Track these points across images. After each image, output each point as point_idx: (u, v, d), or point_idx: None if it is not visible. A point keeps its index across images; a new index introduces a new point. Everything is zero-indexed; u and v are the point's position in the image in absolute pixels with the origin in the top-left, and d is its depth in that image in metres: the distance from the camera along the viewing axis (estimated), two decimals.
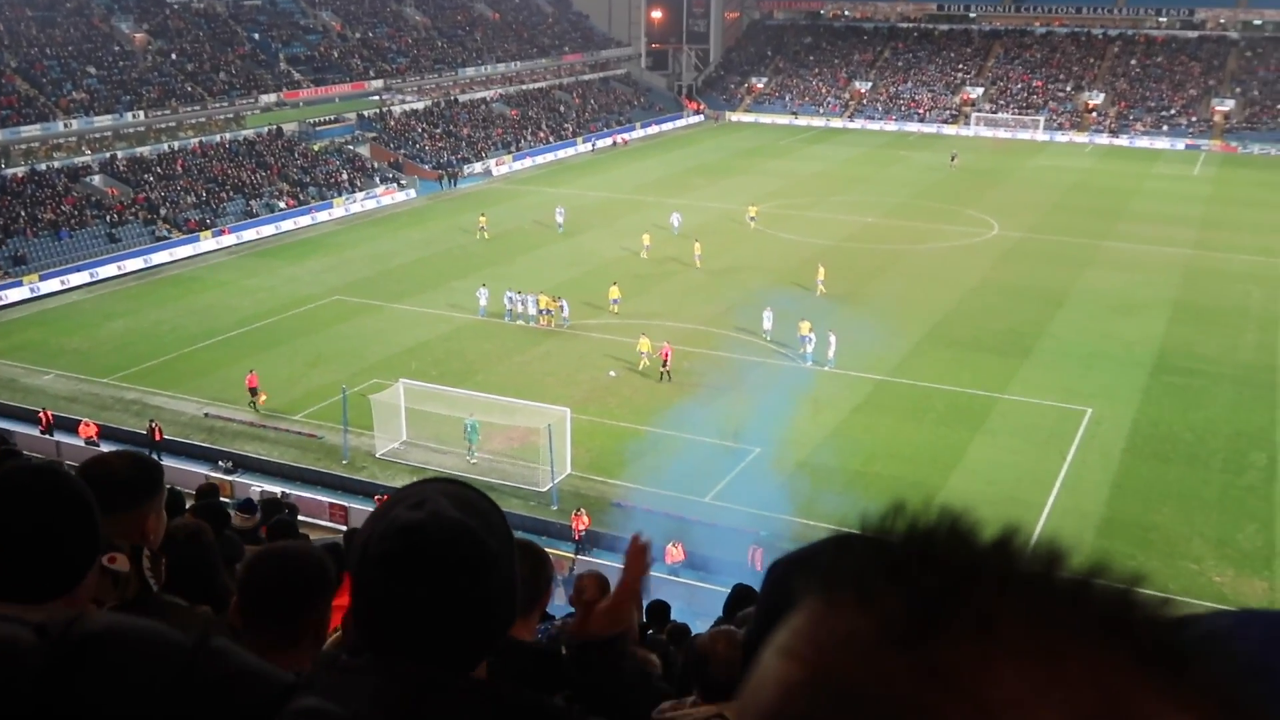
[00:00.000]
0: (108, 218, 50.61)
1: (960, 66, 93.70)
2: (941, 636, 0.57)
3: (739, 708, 0.63)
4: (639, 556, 2.87)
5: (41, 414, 31.01)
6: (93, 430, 29.84)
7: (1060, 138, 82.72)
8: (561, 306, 39.36)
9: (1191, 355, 36.80)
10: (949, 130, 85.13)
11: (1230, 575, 24.13)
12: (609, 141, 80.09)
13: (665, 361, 33.98)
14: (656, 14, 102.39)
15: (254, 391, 32.53)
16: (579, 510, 25.79)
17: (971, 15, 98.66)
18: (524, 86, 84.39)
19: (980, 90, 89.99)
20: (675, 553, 24.26)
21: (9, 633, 1.03)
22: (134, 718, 1.07)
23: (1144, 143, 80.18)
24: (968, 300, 42.22)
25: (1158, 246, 50.69)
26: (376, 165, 65.89)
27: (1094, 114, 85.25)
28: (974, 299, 42.41)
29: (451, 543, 1.73)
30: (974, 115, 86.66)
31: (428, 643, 1.70)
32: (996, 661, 0.55)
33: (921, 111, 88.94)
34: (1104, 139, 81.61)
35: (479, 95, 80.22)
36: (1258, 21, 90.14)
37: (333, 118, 69.30)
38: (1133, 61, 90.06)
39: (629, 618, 2.81)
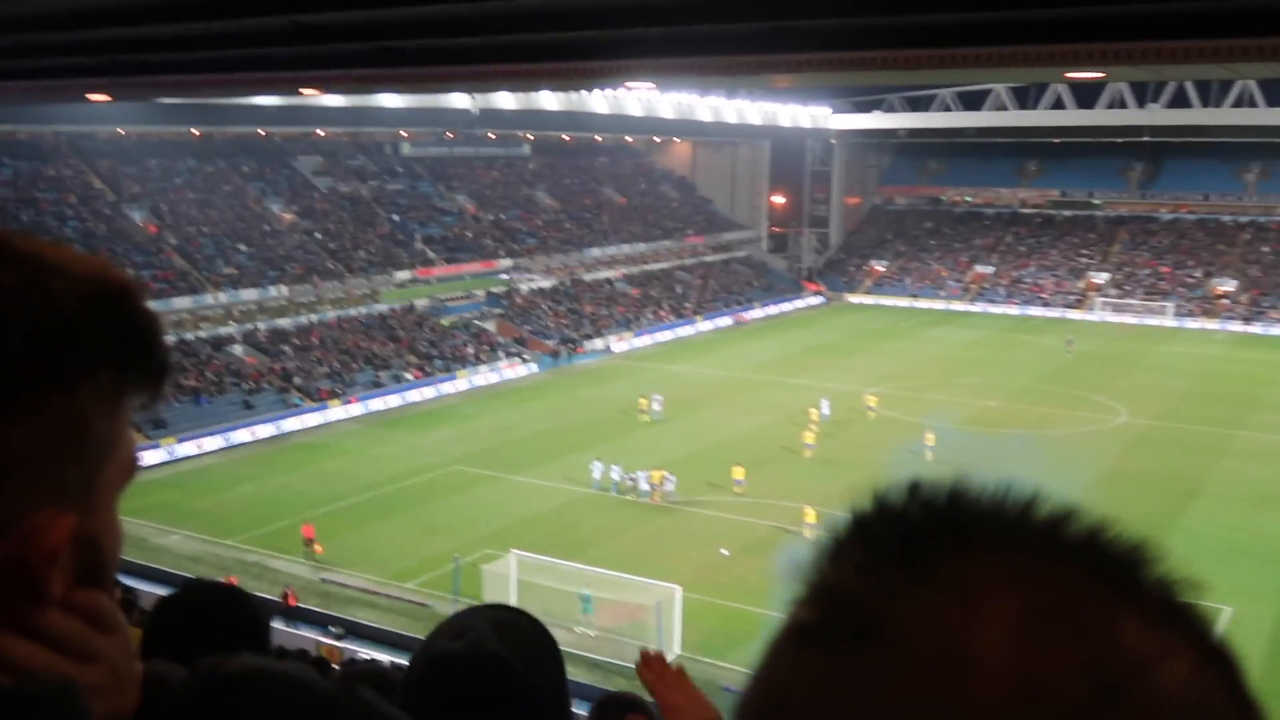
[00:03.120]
0: (244, 385, 53.01)
1: (1084, 251, 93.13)
2: (930, 551, 0.63)
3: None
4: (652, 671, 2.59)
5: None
6: None
7: (1190, 324, 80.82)
8: (666, 479, 39.43)
9: None
10: (1073, 314, 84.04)
11: None
12: (730, 320, 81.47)
13: None
14: (778, 199, 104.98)
15: (309, 541, 33.73)
16: None
17: (1096, 202, 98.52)
18: (647, 267, 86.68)
19: (1106, 276, 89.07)
20: None
21: (161, 669, 1.06)
22: None
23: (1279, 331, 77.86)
24: (1096, 488, 40.75)
25: None
26: (502, 340, 67.92)
27: (1225, 300, 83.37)
28: (1102, 487, 40.95)
29: (484, 675, 1.74)
30: (1099, 300, 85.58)
31: None
32: (972, 561, 0.61)
33: (1045, 295, 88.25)
34: (1237, 326, 79.46)
35: (603, 275, 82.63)
36: None
37: (463, 294, 72.03)
38: (1265, 248, 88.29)
39: None
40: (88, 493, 0.90)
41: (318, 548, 34.09)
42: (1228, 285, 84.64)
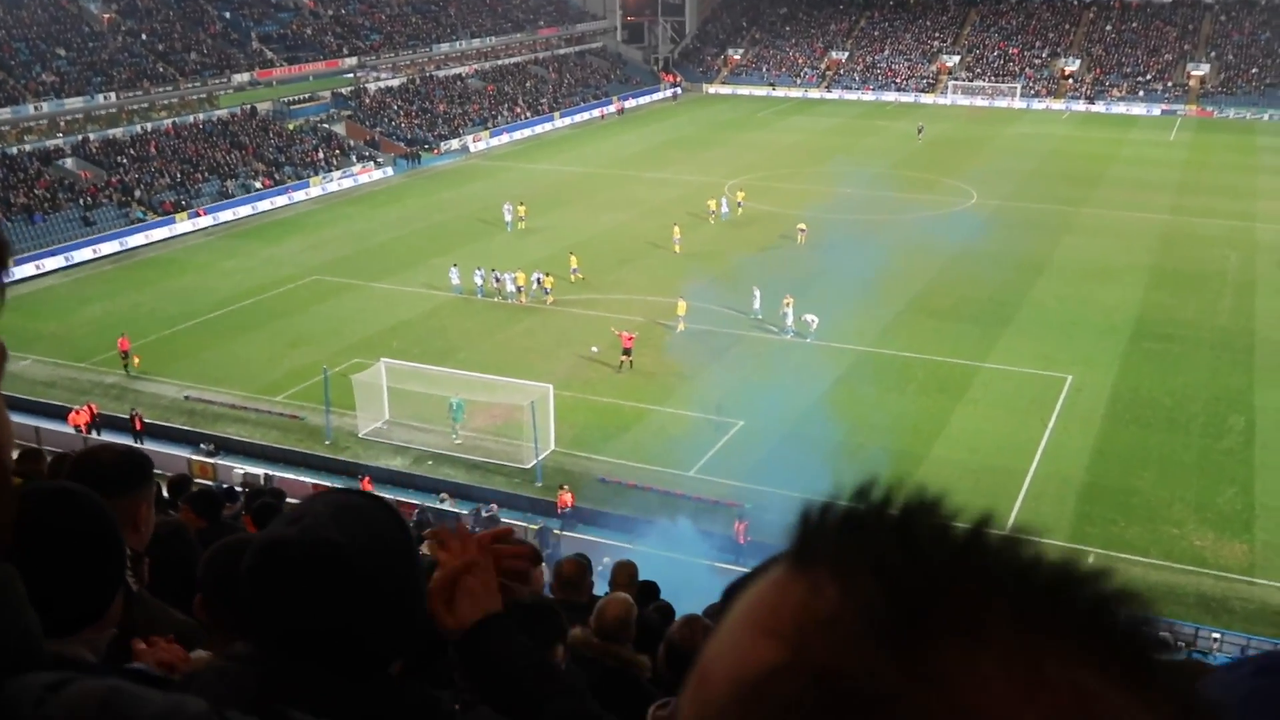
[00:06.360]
0: (81, 201, 50.10)
1: (936, 35, 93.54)
2: (927, 637, 0.56)
3: (699, 672, 0.62)
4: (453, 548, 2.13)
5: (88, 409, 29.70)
6: (83, 419, 29.22)
7: (1037, 105, 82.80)
8: (535, 281, 39.31)
9: (1170, 321, 37.03)
10: (926, 99, 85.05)
11: (1210, 539, 24.37)
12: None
13: (628, 351, 32.67)
14: None
15: (126, 355, 33.49)
16: (563, 487, 25.78)
17: None
18: (499, 61, 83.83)
19: (956, 59, 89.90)
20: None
21: (19, 685, 1.03)
22: None
23: (1120, 109, 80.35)
24: (948, 270, 42.28)
25: (1135, 212, 50.89)
26: (353, 143, 65.41)
27: (1070, 81, 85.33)
28: (954, 268, 42.48)
29: (311, 560, 1.71)
30: (951, 83, 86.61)
31: (309, 651, 1.70)
32: (982, 666, 0.55)
33: (899, 80, 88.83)
34: (1080, 106, 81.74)
35: (454, 71, 79.65)
36: None
37: (307, 96, 68.68)
38: (1108, 27, 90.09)
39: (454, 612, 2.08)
40: None
41: (136, 360, 33.64)
42: (1072, 65, 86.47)
